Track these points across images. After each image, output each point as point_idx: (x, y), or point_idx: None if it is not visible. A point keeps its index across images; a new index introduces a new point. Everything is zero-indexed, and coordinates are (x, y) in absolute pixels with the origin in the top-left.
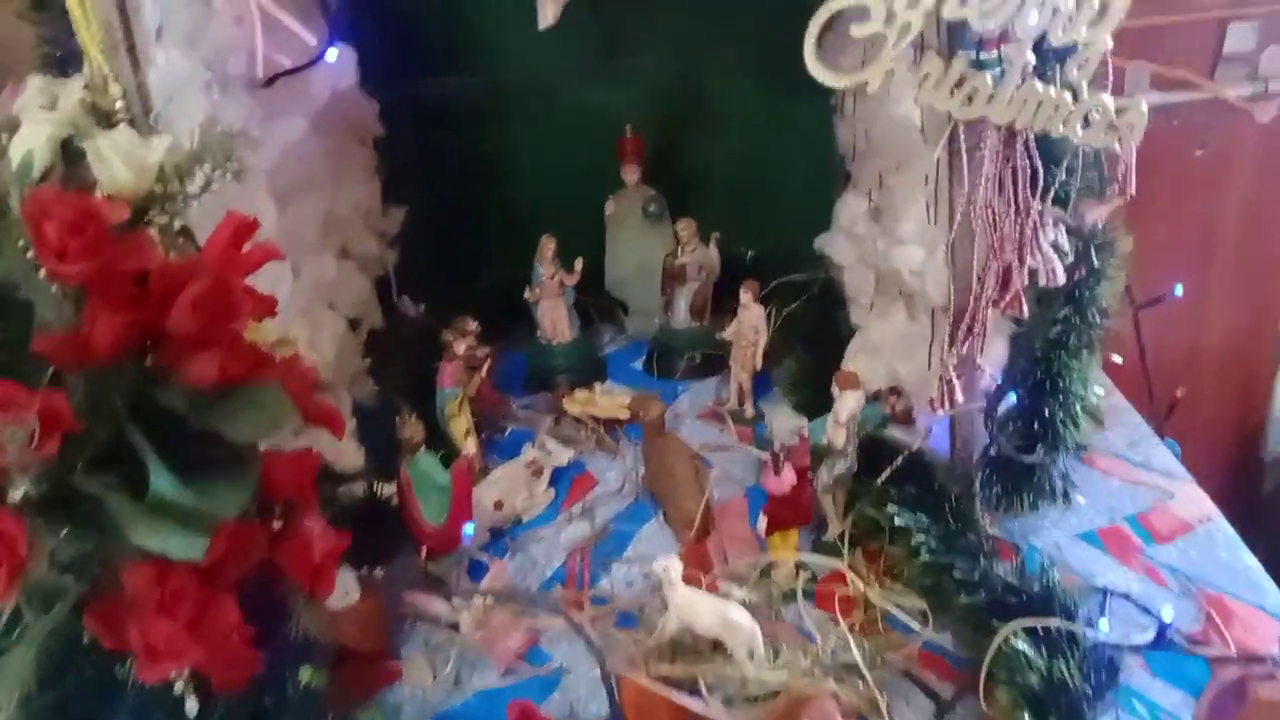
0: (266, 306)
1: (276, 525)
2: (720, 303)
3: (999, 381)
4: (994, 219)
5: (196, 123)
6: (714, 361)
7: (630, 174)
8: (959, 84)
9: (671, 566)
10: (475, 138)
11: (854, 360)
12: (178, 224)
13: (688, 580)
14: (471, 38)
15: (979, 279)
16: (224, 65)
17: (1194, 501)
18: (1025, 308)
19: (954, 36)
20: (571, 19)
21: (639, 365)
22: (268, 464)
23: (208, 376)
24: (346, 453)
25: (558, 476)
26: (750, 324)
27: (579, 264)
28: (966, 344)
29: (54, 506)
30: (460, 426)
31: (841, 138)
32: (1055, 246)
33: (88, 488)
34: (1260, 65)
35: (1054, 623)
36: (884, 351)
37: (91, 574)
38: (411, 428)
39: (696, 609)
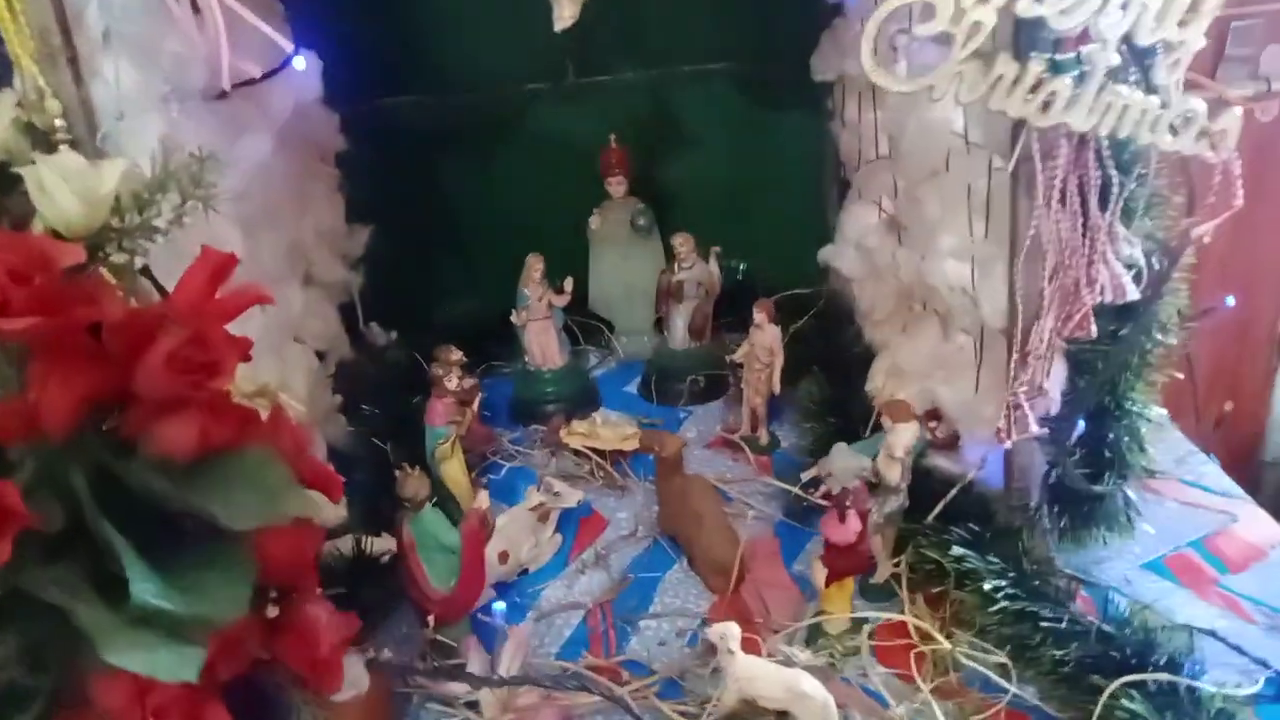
0: (242, 351)
1: (272, 613)
2: (718, 320)
3: (1060, 407)
4: (1062, 234)
5: (151, 143)
6: (718, 384)
7: (616, 186)
8: (1035, 88)
9: (729, 634)
10: (445, 153)
11: (877, 382)
12: (137, 263)
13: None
14: (440, 52)
15: (1047, 298)
16: (183, 76)
17: (1260, 523)
18: (1093, 328)
19: (1029, 36)
20: (544, 33)
21: (633, 389)
22: (260, 543)
23: (186, 445)
24: (326, 506)
25: (562, 520)
26: (765, 345)
27: (569, 284)
28: (1032, 369)
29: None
30: (455, 470)
31: (843, 146)
32: (1127, 262)
33: (45, 592)
34: (1261, 64)
35: (1163, 677)
36: (914, 373)
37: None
38: (415, 483)
39: (759, 680)
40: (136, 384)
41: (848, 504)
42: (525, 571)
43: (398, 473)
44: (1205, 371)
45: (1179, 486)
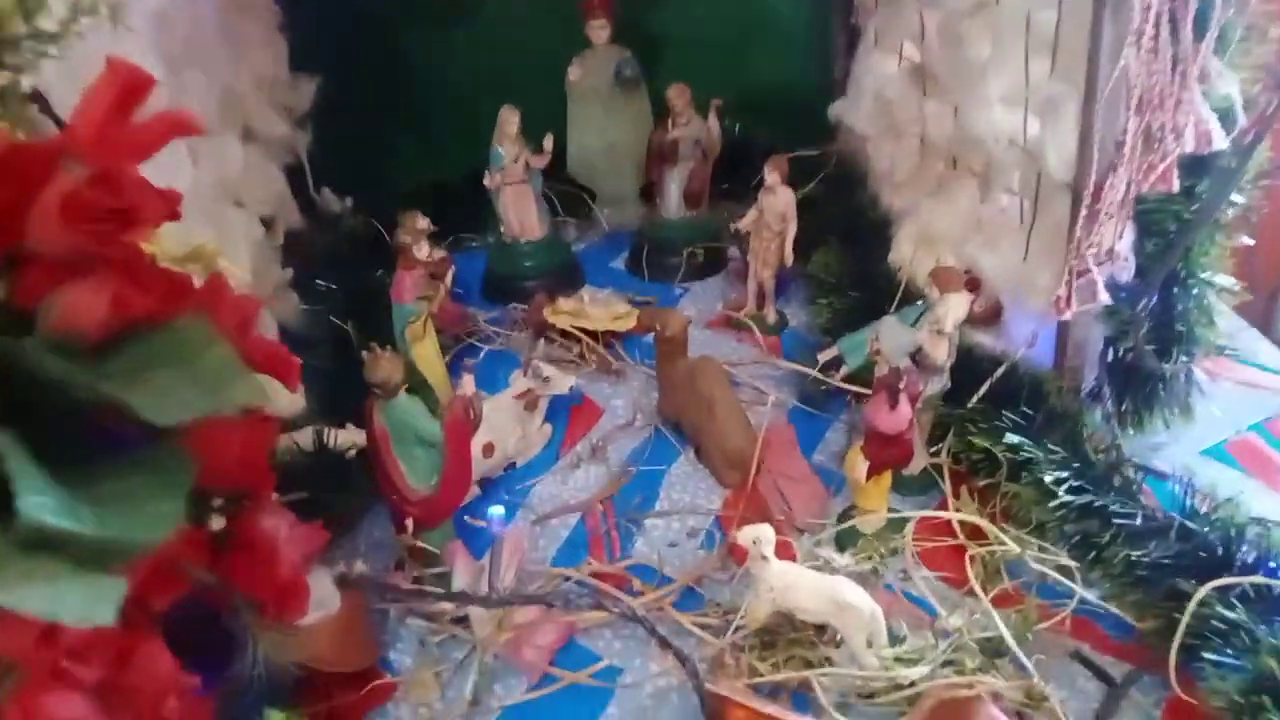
0: (167, 204)
1: (217, 525)
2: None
3: (1132, 265)
4: (1150, 65)
5: None
6: (717, 258)
7: (599, 30)
8: None
9: (763, 537)
10: None
11: (904, 251)
12: (25, 86)
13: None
14: None
15: (1129, 140)
16: None
17: None
18: (1175, 182)
19: None
20: None
21: (620, 264)
22: (199, 441)
23: (94, 316)
24: (280, 393)
25: (551, 409)
26: (776, 211)
27: (549, 142)
28: (1103, 228)
29: None
30: (429, 352)
31: None
32: (1220, 103)
33: None
34: None
35: (1261, 581)
36: (945, 241)
37: None
38: (388, 365)
39: (797, 589)
40: (29, 240)
41: (901, 386)
42: (513, 466)
43: (365, 354)
44: (1265, 237)
45: (1233, 365)
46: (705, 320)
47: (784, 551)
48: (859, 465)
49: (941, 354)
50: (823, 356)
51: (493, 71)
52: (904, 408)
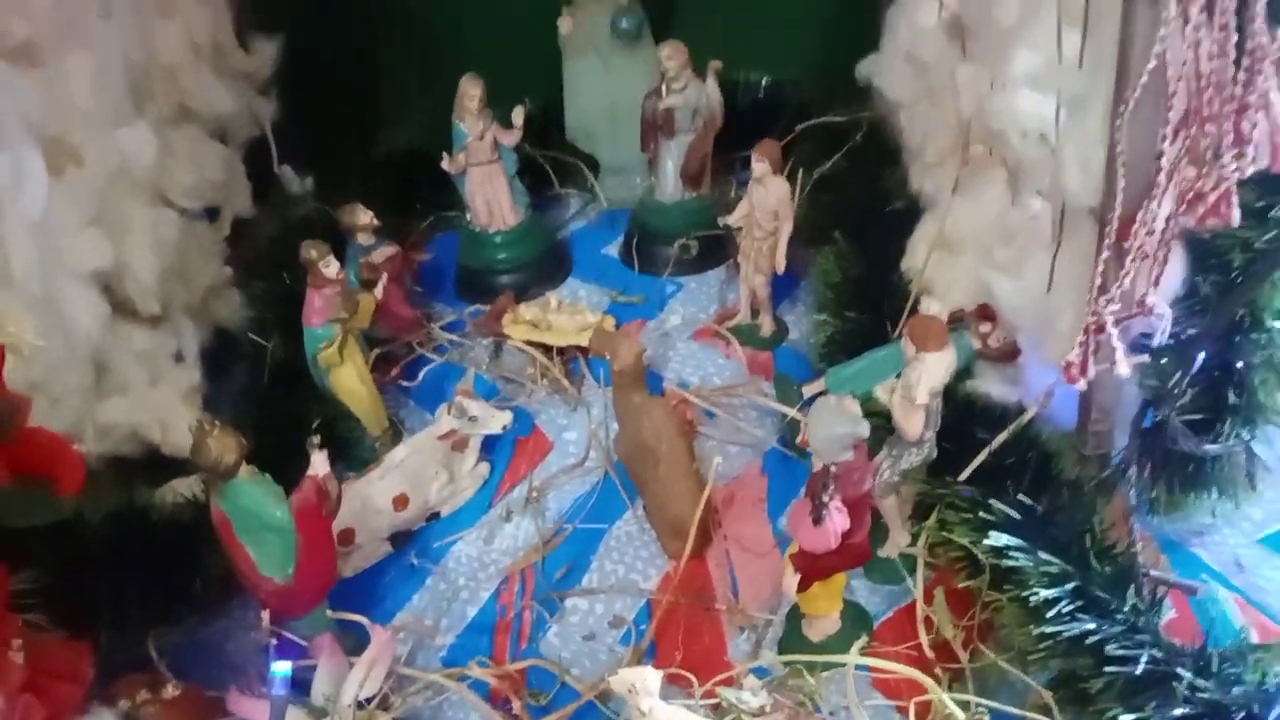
0: None
1: None
2: (723, 157)
3: (1169, 322)
4: (1200, 61)
5: None
6: (716, 247)
7: None
8: None
9: (640, 684)
10: None
11: (917, 257)
12: None
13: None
14: None
15: (1167, 167)
16: None
17: None
18: (1235, 213)
19: None
20: None
21: (615, 251)
22: None
23: None
24: (178, 424)
25: (494, 442)
26: (768, 206)
27: (519, 115)
28: (1131, 273)
29: None
30: (348, 380)
31: None
32: None
33: None
34: None
35: None
36: (970, 247)
37: None
38: (215, 445)
39: None
40: None
41: (827, 497)
42: (436, 516)
43: (191, 428)
44: None
45: None
46: (694, 327)
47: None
48: (789, 576)
49: (914, 428)
50: (807, 391)
51: (476, 23)
52: (834, 521)
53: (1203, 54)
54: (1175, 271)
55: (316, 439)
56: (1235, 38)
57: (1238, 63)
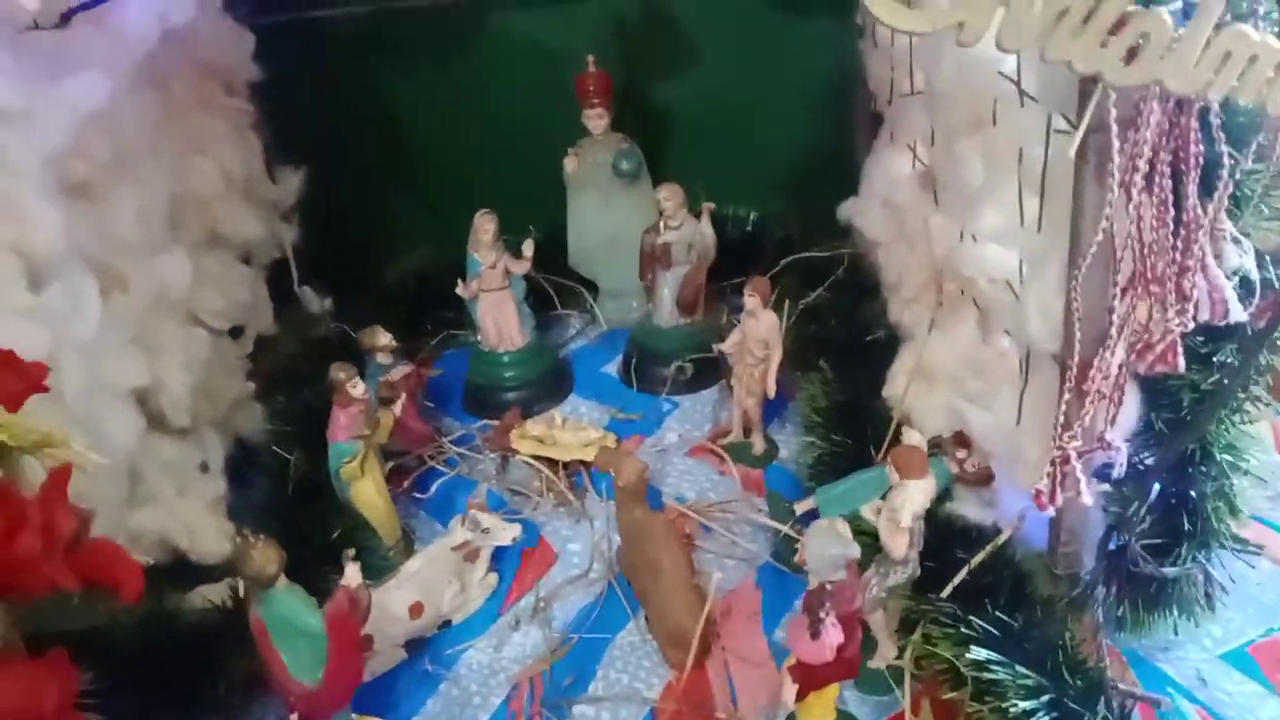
0: (29, 383)
1: None
2: (715, 286)
3: (1125, 456)
4: (1143, 231)
5: None
6: (709, 368)
7: (596, 119)
8: (1116, 28)
9: None
10: (389, 76)
11: (897, 386)
12: None
13: None
14: None
15: (1117, 322)
16: None
17: None
18: (1180, 361)
19: None
20: None
21: (613, 370)
22: None
23: None
24: (205, 532)
25: (502, 553)
26: (758, 337)
27: (529, 247)
28: (1091, 412)
29: None
30: (367, 493)
31: (874, 72)
32: (1233, 271)
33: None
34: None
35: None
36: (943, 378)
37: None
38: (259, 557)
39: None
40: None
41: (822, 613)
42: (448, 624)
43: (236, 541)
44: None
45: (1275, 537)
46: (689, 444)
47: None
48: (787, 688)
49: (900, 547)
50: (799, 508)
51: (486, 159)
52: (830, 635)
53: (1145, 225)
54: (1131, 409)
55: (351, 551)
56: (1173, 211)
57: (1176, 232)
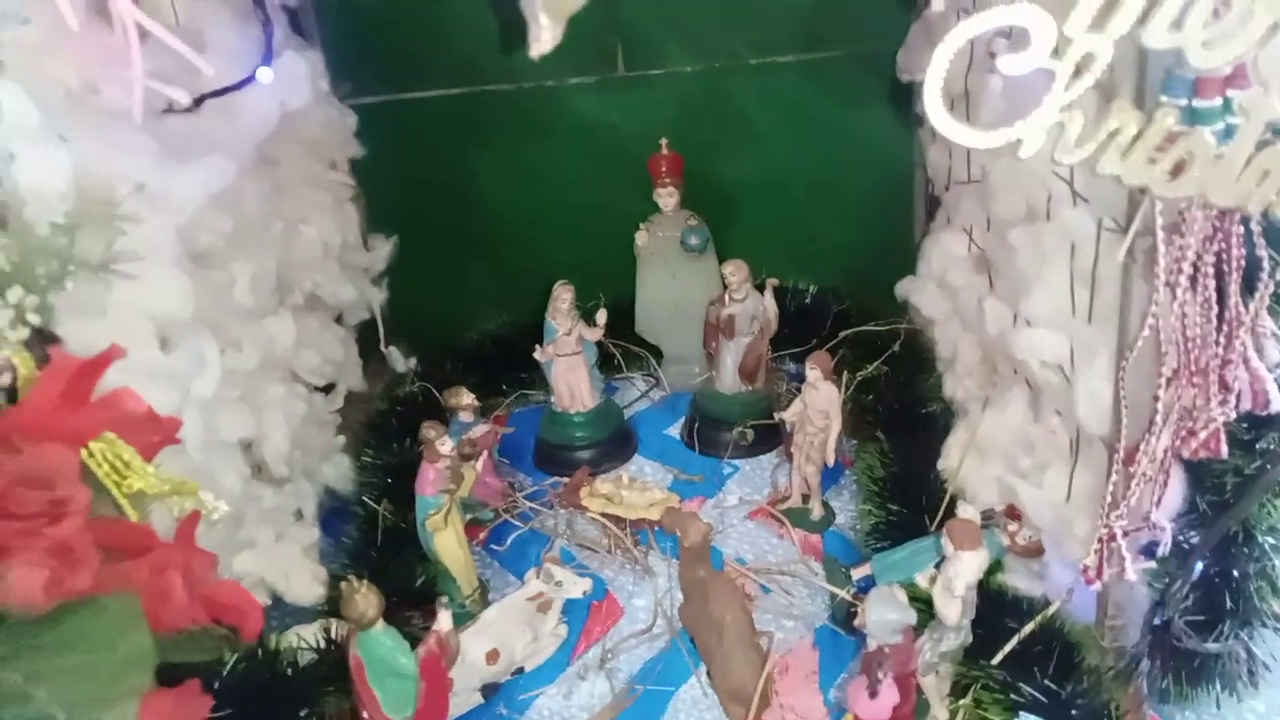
0: (165, 434)
1: None
2: (776, 355)
3: (1170, 535)
4: (1187, 327)
5: (58, 184)
6: (769, 434)
7: (666, 197)
8: (1163, 146)
9: None
10: (477, 154)
11: (952, 460)
12: (16, 333)
13: None
14: (471, 39)
15: (1163, 410)
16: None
17: None
18: (1224, 448)
19: (1157, 75)
20: (583, 19)
21: (676, 432)
22: None
23: (30, 596)
24: (300, 576)
25: (571, 605)
26: (819, 408)
27: (602, 316)
28: (1137, 493)
29: None
30: (449, 543)
31: (932, 160)
32: (1273, 366)
33: None
34: None
35: None
36: (997, 454)
37: None
38: (361, 602)
39: None
40: None
41: (880, 674)
42: (520, 671)
43: (343, 585)
44: None
45: None
46: (750, 507)
47: None
48: None
49: (953, 615)
50: (856, 574)
51: (564, 232)
52: (888, 694)
53: (1189, 321)
54: (1176, 491)
55: (445, 599)
56: (1216, 309)
57: (1219, 328)
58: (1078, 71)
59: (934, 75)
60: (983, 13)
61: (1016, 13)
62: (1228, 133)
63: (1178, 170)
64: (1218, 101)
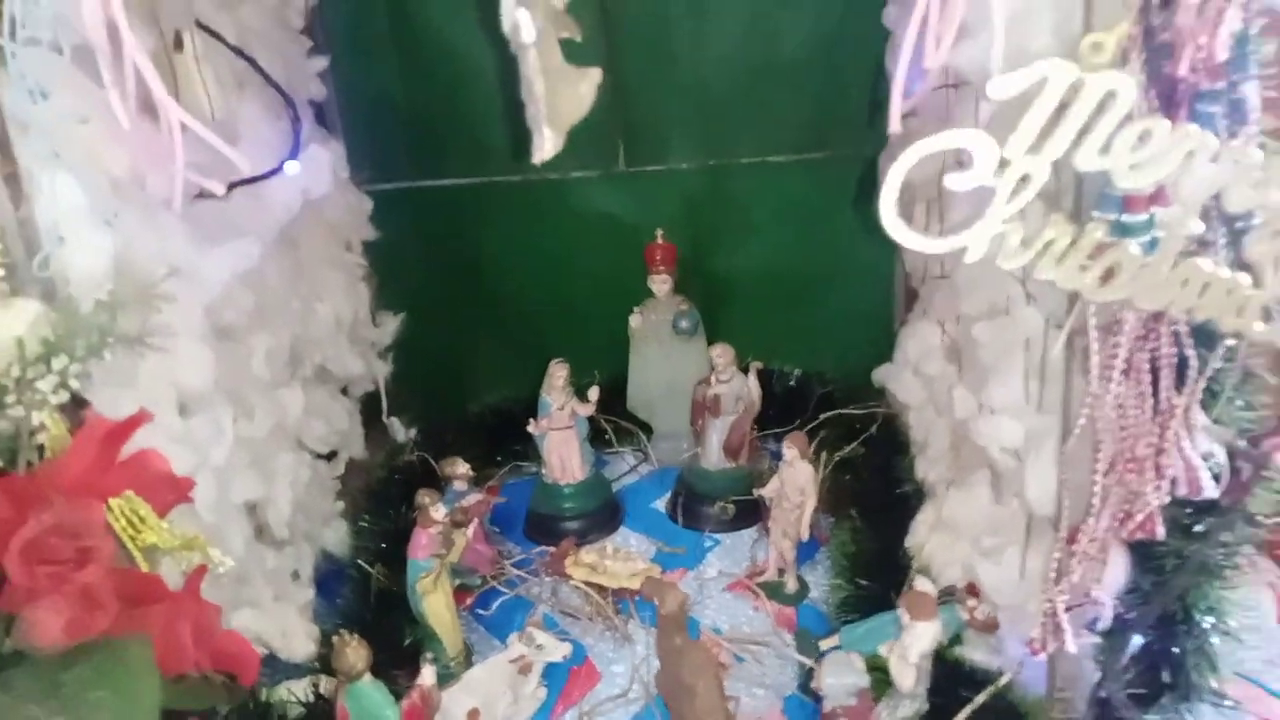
0: (179, 493)
1: None
2: (759, 434)
3: (1111, 611)
4: (1124, 418)
5: (100, 265)
6: (750, 510)
7: (660, 284)
8: (1093, 255)
9: None
10: (484, 239)
11: (920, 536)
12: (57, 397)
13: None
14: (482, 132)
15: (1101, 494)
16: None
17: None
18: (1160, 530)
19: (1089, 193)
20: (594, 115)
21: (662, 506)
22: None
23: (52, 636)
24: (295, 634)
25: (551, 669)
26: (796, 484)
27: (594, 392)
28: (1079, 572)
29: None
30: (438, 606)
31: (909, 256)
32: (1204, 455)
33: None
34: None
35: None
36: (960, 533)
37: None
38: (351, 655)
39: None
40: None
41: None
42: None
43: (334, 639)
44: None
45: (1265, 699)
46: (729, 580)
47: None
48: None
49: (908, 681)
50: (825, 645)
51: (563, 313)
52: None
53: (1125, 410)
54: (1119, 569)
55: (430, 655)
56: (1152, 401)
57: (1154, 418)
58: (1015, 191)
59: (888, 191)
60: (932, 136)
61: (963, 137)
62: (1153, 244)
63: (1108, 277)
64: (1144, 217)
